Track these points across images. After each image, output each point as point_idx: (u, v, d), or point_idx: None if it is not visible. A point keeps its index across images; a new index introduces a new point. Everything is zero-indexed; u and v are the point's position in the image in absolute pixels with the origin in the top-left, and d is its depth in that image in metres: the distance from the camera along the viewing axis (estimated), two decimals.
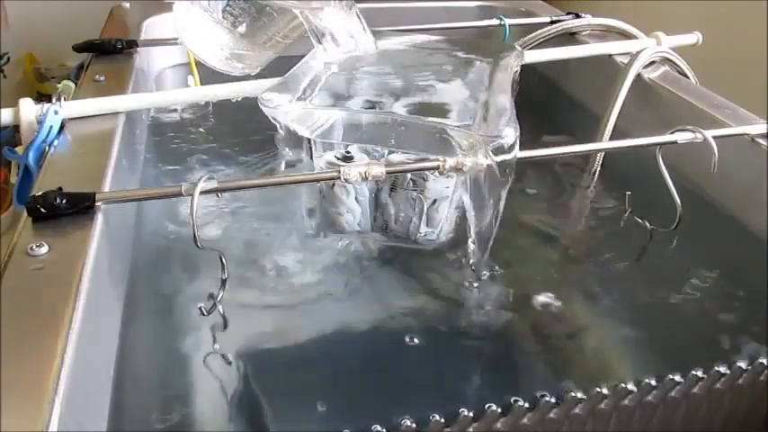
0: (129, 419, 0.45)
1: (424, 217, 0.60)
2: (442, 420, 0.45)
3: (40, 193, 0.48)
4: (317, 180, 0.56)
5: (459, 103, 0.60)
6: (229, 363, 0.51)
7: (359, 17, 0.65)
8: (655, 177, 0.60)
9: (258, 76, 0.69)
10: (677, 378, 0.50)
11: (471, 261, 0.59)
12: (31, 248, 0.44)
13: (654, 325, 0.56)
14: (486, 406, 0.47)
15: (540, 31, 0.95)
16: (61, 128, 0.62)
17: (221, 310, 0.51)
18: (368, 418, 0.45)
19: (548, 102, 0.99)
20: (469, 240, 0.57)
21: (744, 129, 0.65)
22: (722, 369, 0.51)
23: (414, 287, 0.59)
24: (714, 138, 0.59)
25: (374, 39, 0.68)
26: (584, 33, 0.97)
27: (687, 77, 0.86)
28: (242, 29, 0.64)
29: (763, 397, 0.53)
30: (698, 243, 0.66)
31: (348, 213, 0.60)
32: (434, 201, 0.59)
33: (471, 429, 0.46)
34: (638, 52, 0.83)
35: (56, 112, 0.62)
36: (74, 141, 0.61)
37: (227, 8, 0.63)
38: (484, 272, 0.60)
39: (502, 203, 0.55)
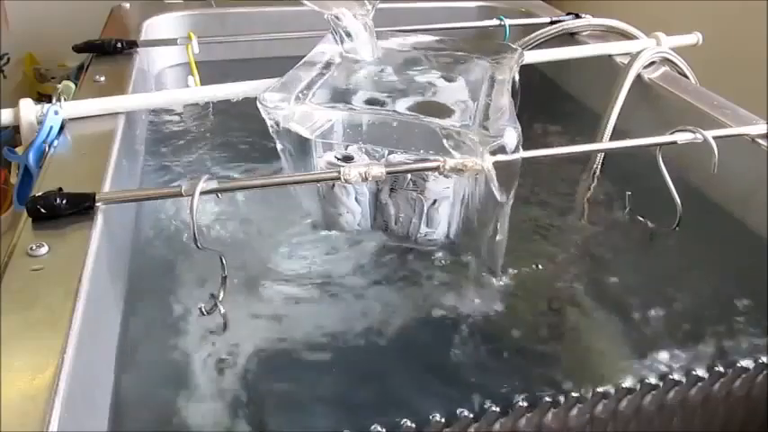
0: (129, 419, 0.45)
1: (424, 217, 0.60)
2: (443, 420, 0.45)
3: (40, 194, 0.48)
4: (317, 180, 0.56)
5: (460, 103, 0.60)
6: (229, 362, 0.50)
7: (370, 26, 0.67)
8: (655, 177, 0.60)
9: (258, 77, 0.70)
10: (677, 378, 0.50)
11: (481, 263, 0.59)
12: (31, 249, 0.44)
13: (654, 325, 0.56)
14: (486, 406, 0.47)
15: (540, 32, 0.95)
16: (61, 128, 0.62)
17: (222, 310, 0.51)
18: (368, 418, 0.45)
19: (548, 102, 0.99)
20: (480, 244, 0.57)
21: (744, 129, 0.65)
22: (722, 369, 0.51)
23: (414, 288, 0.59)
24: (714, 138, 0.59)
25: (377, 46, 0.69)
26: (584, 34, 0.98)
27: (687, 78, 0.86)
28: None
29: (763, 397, 0.53)
30: (698, 243, 0.66)
31: (348, 214, 0.60)
32: (434, 201, 0.59)
33: (471, 429, 0.46)
34: (638, 52, 0.83)
35: (56, 113, 0.62)
36: (74, 142, 0.61)
37: None
38: (485, 273, 0.60)
39: (509, 205, 0.55)
